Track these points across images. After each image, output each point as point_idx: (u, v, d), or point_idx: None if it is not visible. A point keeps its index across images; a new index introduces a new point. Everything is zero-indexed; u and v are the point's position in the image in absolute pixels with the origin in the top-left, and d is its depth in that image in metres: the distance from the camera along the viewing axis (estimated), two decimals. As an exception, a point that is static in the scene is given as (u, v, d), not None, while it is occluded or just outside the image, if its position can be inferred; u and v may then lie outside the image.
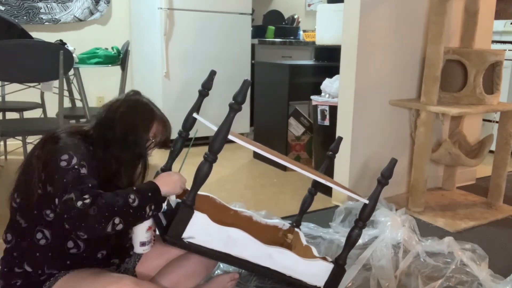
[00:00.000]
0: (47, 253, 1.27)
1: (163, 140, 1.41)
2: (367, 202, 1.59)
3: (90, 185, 1.19)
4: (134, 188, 1.26)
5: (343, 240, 2.14)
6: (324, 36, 3.50)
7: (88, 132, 1.34)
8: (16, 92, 3.02)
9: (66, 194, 1.15)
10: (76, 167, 1.20)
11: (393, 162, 1.58)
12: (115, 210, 1.17)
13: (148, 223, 1.39)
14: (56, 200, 1.17)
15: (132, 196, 1.22)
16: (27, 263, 1.27)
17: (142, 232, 1.39)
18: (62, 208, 1.15)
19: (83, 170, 1.22)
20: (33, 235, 1.26)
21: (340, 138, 1.96)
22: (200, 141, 3.83)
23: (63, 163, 1.20)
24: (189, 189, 1.38)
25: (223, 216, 1.82)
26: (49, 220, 1.25)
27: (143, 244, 1.40)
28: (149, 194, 1.27)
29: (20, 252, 1.28)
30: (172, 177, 1.36)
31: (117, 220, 1.17)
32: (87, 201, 1.14)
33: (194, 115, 1.67)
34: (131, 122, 1.34)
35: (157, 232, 1.49)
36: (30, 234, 1.26)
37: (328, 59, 3.63)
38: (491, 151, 2.78)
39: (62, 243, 1.28)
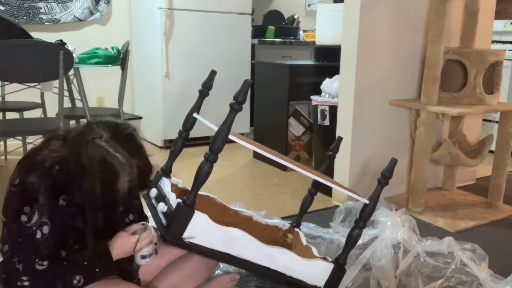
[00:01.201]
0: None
1: (136, 185, 1.26)
2: (367, 202, 1.59)
3: (37, 259, 1.16)
4: (85, 262, 1.21)
5: (343, 240, 2.14)
6: (324, 36, 3.50)
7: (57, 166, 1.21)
8: (16, 92, 3.02)
9: (15, 259, 1.17)
10: (33, 228, 1.16)
11: (393, 162, 1.58)
12: None
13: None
14: (9, 250, 1.18)
15: (77, 278, 1.19)
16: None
17: None
18: (7, 269, 1.18)
19: (41, 232, 1.17)
20: None
21: (340, 138, 1.96)
22: (200, 141, 3.86)
23: (24, 218, 1.16)
24: (189, 189, 1.38)
25: (223, 216, 1.82)
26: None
27: (143, 257, 1.38)
28: (97, 270, 1.22)
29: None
30: (129, 244, 1.30)
31: None
32: (27, 283, 1.16)
33: (195, 115, 1.67)
34: (92, 188, 1.18)
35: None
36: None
37: (328, 59, 3.63)
38: (491, 151, 2.78)
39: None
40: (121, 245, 1.29)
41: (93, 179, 1.17)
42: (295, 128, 3.46)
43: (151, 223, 1.46)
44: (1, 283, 1.28)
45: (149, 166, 1.28)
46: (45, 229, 1.17)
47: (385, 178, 1.58)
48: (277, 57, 4.55)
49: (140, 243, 1.31)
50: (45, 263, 1.18)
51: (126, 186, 1.24)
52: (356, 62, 2.59)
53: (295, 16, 5.25)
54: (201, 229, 1.38)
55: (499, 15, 3.89)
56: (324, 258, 1.68)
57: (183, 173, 2.72)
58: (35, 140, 3.18)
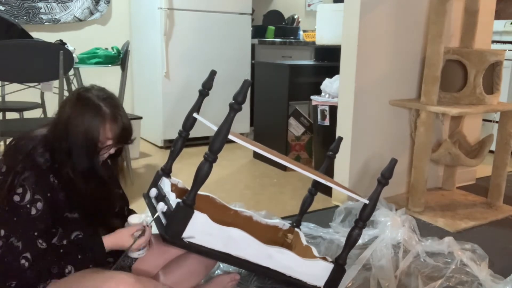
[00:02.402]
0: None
1: (117, 137, 1.31)
2: (367, 202, 1.59)
3: (36, 233, 1.21)
4: (79, 256, 1.26)
5: (343, 240, 2.14)
6: (324, 36, 3.50)
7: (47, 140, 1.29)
8: (16, 92, 3.02)
9: (13, 238, 1.19)
10: (28, 206, 1.20)
11: (393, 162, 1.58)
12: (47, 277, 1.22)
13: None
14: (2, 231, 1.19)
15: (69, 268, 1.24)
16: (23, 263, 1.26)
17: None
18: (5, 249, 1.18)
19: (35, 209, 1.21)
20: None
21: (340, 138, 1.96)
22: (200, 141, 3.86)
23: (16, 198, 1.20)
24: (189, 189, 1.38)
25: (223, 216, 1.81)
26: None
27: (138, 249, 1.39)
28: (90, 266, 1.28)
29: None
30: (125, 241, 1.34)
31: (46, 283, 1.22)
32: (27, 264, 1.19)
33: (194, 115, 1.67)
34: (77, 129, 1.26)
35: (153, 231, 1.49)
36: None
37: (328, 59, 3.63)
38: (491, 151, 2.78)
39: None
40: (116, 240, 1.33)
41: (81, 119, 1.25)
42: (295, 128, 3.46)
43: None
44: None
45: (123, 124, 1.32)
46: (39, 205, 1.22)
47: (385, 178, 1.58)
48: (277, 57, 4.55)
49: (135, 245, 1.35)
50: (44, 244, 1.22)
51: (111, 136, 1.29)
52: (356, 62, 2.59)
53: (295, 16, 5.25)
54: (200, 229, 1.38)
55: (499, 15, 3.89)
56: (324, 258, 1.68)
57: (183, 173, 2.72)
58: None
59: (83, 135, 1.26)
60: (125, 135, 1.33)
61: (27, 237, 1.20)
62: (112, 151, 1.35)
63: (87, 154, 1.28)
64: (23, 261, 1.18)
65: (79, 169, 1.28)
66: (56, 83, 2.49)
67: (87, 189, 1.31)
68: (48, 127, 1.32)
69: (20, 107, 3.21)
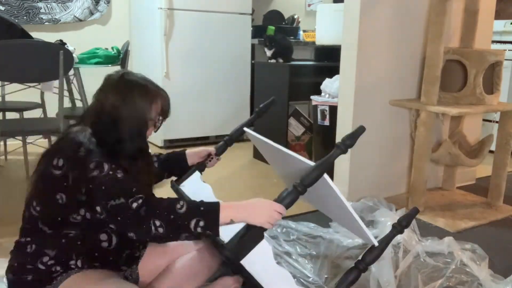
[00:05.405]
0: (76, 243, 1.27)
1: (165, 112, 1.38)
2: (375, 244, 1.38)
3: (134, 189, 1.18)
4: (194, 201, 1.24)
5: (343, 240, 2.15)
6: (324, 36, 3.51)
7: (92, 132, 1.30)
8: (16, 92, 3.02)
9: (112, 201, 1.16)
10: (110, 172, 1.19)
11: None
12: (164, 215, 1.16)
13: None
14: (98, 208, 1.18)
15: (181, 203, 1.17)
16: (45, 260, 1.26)
17: None
18: (112, 212, 1.16)
19: (119, 174, 1.20)
20: (60, 239, 1.26)
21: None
22: (200, 141, 3.86)
23: (95, 173, 1.18)
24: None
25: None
26: (76, 222, 1.26)
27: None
28: (201, 208, 1.18)
29: (38, 252, 1.26)
30: (262, 205, 1.30)
31: (158, 223, 1.14)
32: (140, 201, 1.15)
33: (245, 128, 1.69)
34: (130, 112, 1.29)
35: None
36: (58, 238, 1.26)
37: (328, 59, 3.63)
38: (491, 151, 2.78)
39: (95, 236, 1.29)
40: (255, 204, 1.33)
41: (132, 101, 1.29)
42: (295, 128, 3.46)
43: None
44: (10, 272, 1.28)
45: (168, 98, 1.40)
46: (120, 172, 1.21)
47: (401, 226, 1.41)
48: (277, 57, 4.54)
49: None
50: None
51: (160, 112, 1.36)
52: (356, 62, 2.59)
53: (295, 16, 5.25)
54: (259, 257, 1.23)
55: (499, 15, 3.89)
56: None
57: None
58: (35, 140, 3.19)
59: (137, 118, 1.29)
60: (169, 109, 1.40)
61: (126, 192, 1.16)
62: (158, 125, 1.38)
63: (140, 135, 1.32)
64: (135, 204, 1.14)
65: (131, 152, 1.29)
66: (56, 83, 2.49)
67: (137, 169, 1.31)
68: (85, 121, 1.32)
69: (20, 107, 3.21)
